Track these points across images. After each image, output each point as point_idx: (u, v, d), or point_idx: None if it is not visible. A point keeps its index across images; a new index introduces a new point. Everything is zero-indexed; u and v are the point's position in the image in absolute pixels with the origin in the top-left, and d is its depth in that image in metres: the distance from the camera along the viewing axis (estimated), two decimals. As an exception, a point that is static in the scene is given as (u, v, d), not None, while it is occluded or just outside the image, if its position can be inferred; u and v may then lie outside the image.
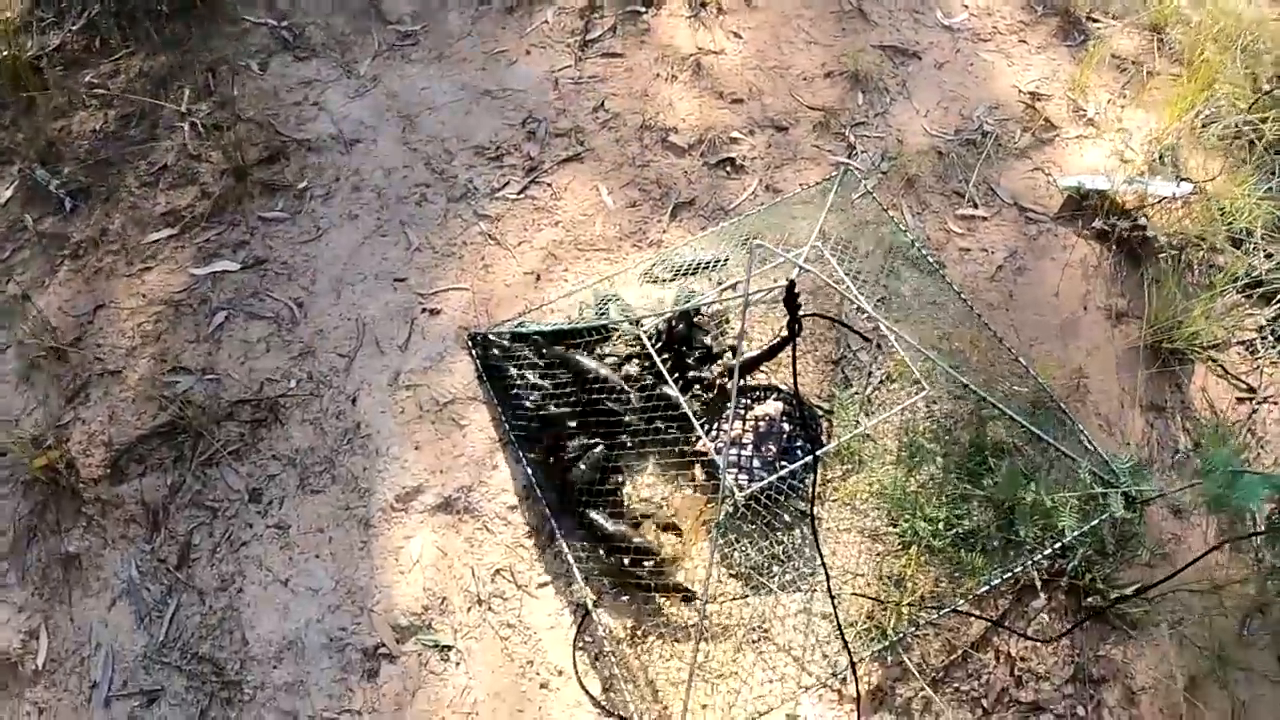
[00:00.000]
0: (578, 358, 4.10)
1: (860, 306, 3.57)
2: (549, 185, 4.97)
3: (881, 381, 4.44)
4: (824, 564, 3.44)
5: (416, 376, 4.38)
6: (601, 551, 3.85)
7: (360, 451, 4.25)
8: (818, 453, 3.26)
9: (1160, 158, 5.59)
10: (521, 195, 4.95)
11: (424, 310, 4.56)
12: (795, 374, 3.00)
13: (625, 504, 3.95)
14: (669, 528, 3.86)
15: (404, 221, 4.89)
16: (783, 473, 3.62)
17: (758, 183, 5.03)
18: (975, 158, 5.40)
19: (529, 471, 4.06)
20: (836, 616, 3.50)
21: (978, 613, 3.96)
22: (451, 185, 5.00)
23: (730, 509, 3.48)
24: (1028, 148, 5.55)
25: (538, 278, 4.63)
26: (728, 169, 5.09)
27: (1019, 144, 5.55)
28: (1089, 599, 4.09)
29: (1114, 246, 5.14)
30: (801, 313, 3.02)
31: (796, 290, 3.01)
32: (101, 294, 4.91)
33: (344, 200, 5.03)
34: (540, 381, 4.13)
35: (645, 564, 3.78)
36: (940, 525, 4.09)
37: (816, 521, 3.43)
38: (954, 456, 4.29)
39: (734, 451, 4.04)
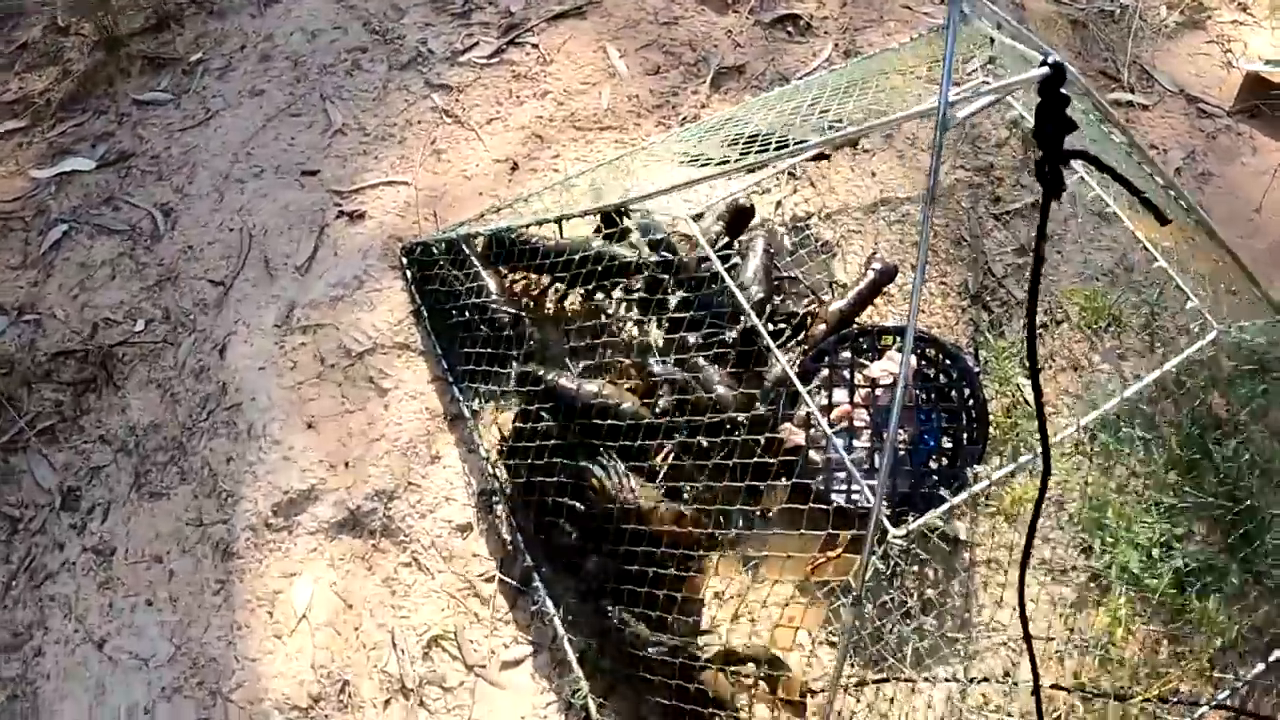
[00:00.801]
0: (565, 384, 2.15)
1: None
2: (535, 47, 3.05)
3: (1044, 325, 2.54)
4: (1029, 640, 1.56)
5: (319, 312, 2.49)
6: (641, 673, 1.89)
7: (224, 431, 2.37)
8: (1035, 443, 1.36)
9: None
10: (495, 60, 3.04)
11: (340, 214, 2.67)
12: (1037, 265, 1.12)
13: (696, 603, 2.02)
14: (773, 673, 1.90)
15: (326, 96, 2.98)
16: (981, 487, 1.68)
17: (832, 47, 3.12)
18: (1120, 35, 3.49)
19: (491, 466, 2.16)
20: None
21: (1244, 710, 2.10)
22: (397, 49, 3.10)
23: (878, 563, 1.57)
24: (1180, 27, 3.63)
25: (514, 166, 2.73)
26: (789, 29, 3.18)
27: (1168, 22, 3.63)
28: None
29: (1326, 149, 3.22)
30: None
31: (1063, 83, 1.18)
32: (-91, 209, 3.03)
33: (248, 74, 3.13)
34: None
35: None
36: (1154, 552, 2.22)
37: (1026, 570, 1.52)
38: (1157, 443, 2.41)
39: (842, 443, 2.14)
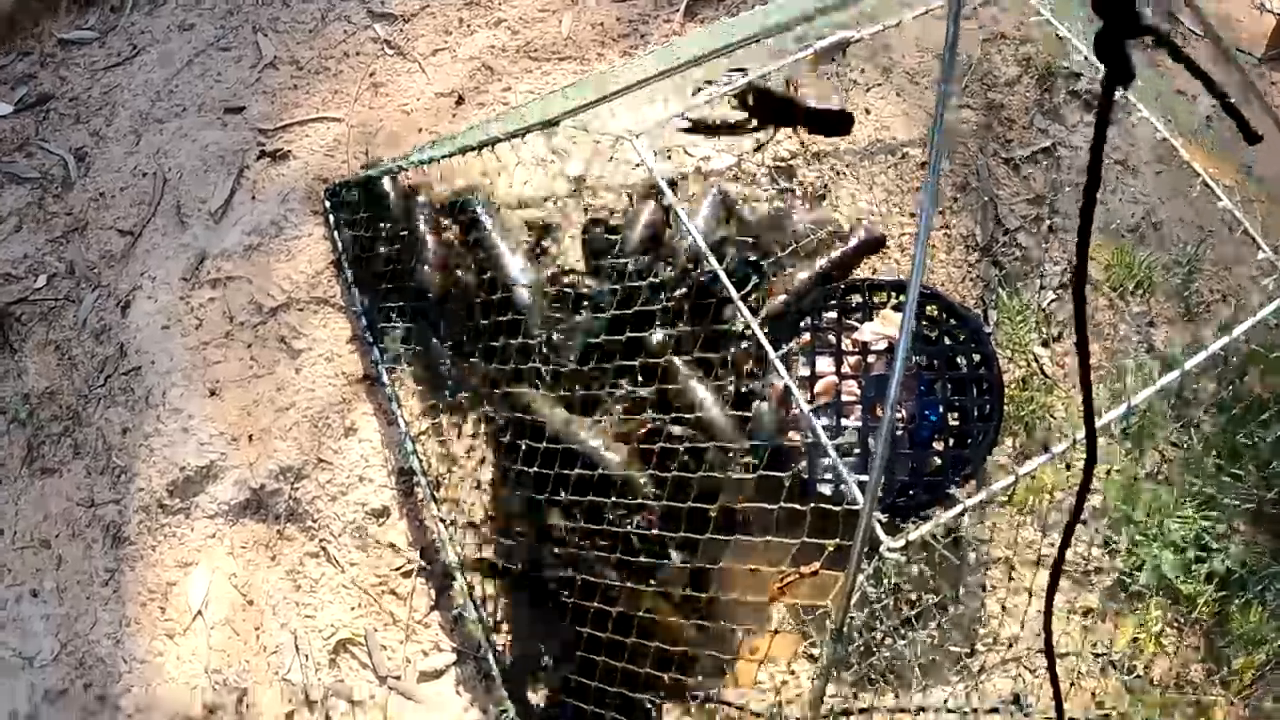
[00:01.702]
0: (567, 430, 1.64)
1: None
2: (493, -27, 2.64)
3: (1064, 285, 2.16)
4: (1055, 678, 1.18)
5: (232, 263, 2.11)
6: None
7: (122, 398, 2.00)
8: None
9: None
10: (448, -13, 2.62)
11: (262, 154, 2.28)
12: (1093, 183, 0.73)
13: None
14: None
15: (259, 28, 2.59)
16: (1003, 485, 1.26)
17: (827, -25, 2.68)
18: (1138, -33, 3.03)
19: (410, 441, 1.78)
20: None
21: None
22: (342, -22, 2.68)
23: (868, 579, 1.19)
24: (1201, -37, 3.18)
25: (459, 100, 2.34)
26: (777, -44, 2.75)
27: (1188, -43, 3.19)
28: None
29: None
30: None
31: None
32: None
33: (179, 7, 2.73)
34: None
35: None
36: (1190, 554, 1.85)
37: (1055, 592, 1.13)
38: (1193, 426, 2.05)
39: (828, 422, 1.76)
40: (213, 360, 1.97)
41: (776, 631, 1.31)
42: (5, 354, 2.21)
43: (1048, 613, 1.18)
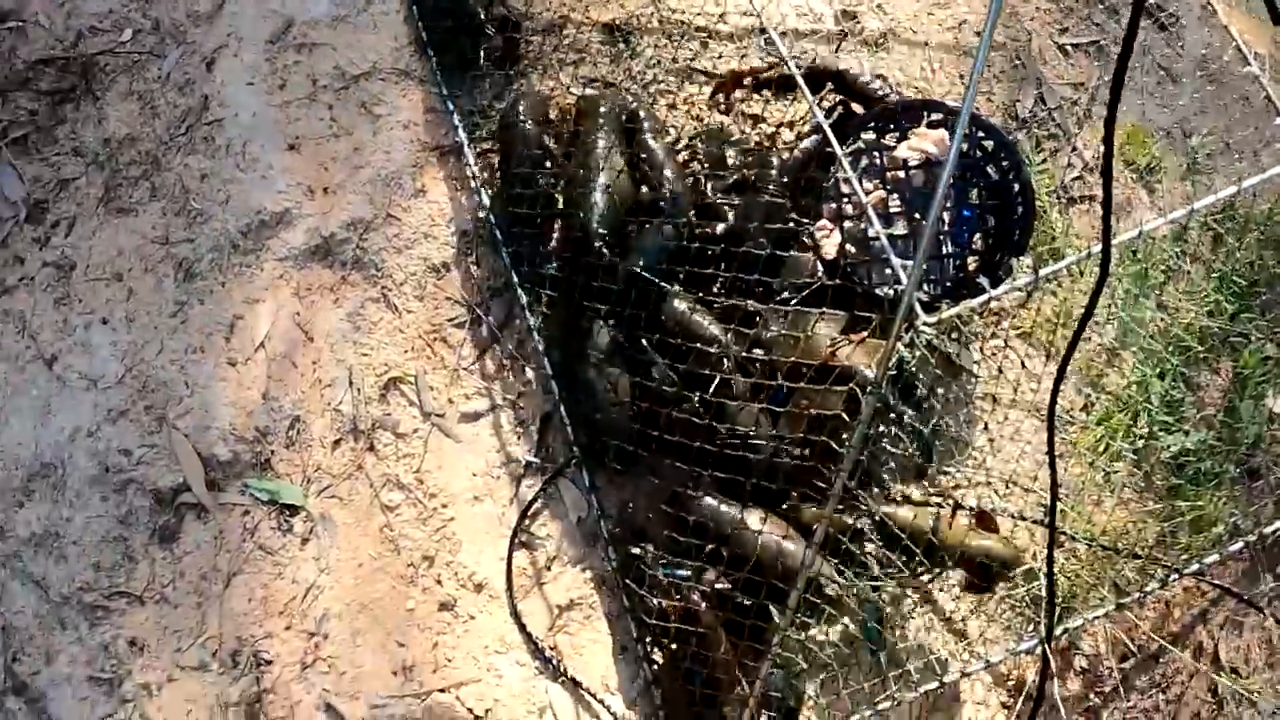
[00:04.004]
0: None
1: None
2: None
3: (1089, 166, 2.28)
4: (1055, 495, 1.34)
5: (318, 31, 2.22)
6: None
7: (202, 147, 2.14)
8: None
9: None
10: None
11: (353, -65, 2.37)
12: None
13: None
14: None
15: None
16: (1026, 281, 1.40)
17: None
18: None
19: (486, 204, 1.94)
20: (1050, 597, 1.41)
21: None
22: None
23: (906, 351, 1.35)
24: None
25: (550, -94, 2.42)
26: None
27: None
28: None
29: None
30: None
31: None
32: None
33: None
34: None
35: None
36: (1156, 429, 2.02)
37: (1060, 389, 1.27)
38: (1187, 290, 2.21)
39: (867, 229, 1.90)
40: (294, 118, 2.10)
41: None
42: (88, 101, 2.34)
43: (1054, 394, 1.32)
